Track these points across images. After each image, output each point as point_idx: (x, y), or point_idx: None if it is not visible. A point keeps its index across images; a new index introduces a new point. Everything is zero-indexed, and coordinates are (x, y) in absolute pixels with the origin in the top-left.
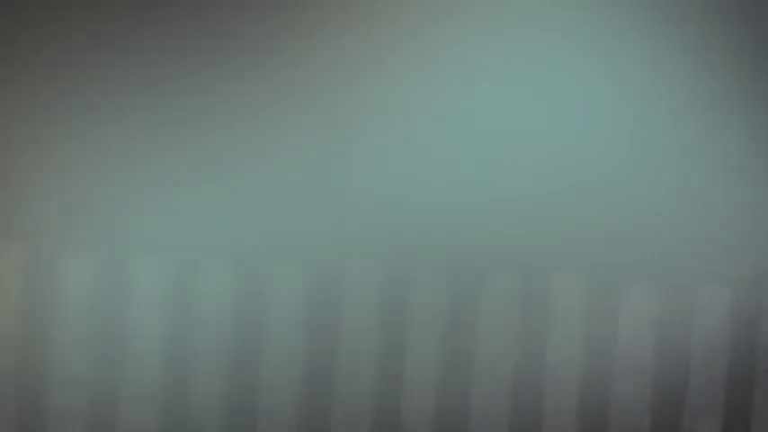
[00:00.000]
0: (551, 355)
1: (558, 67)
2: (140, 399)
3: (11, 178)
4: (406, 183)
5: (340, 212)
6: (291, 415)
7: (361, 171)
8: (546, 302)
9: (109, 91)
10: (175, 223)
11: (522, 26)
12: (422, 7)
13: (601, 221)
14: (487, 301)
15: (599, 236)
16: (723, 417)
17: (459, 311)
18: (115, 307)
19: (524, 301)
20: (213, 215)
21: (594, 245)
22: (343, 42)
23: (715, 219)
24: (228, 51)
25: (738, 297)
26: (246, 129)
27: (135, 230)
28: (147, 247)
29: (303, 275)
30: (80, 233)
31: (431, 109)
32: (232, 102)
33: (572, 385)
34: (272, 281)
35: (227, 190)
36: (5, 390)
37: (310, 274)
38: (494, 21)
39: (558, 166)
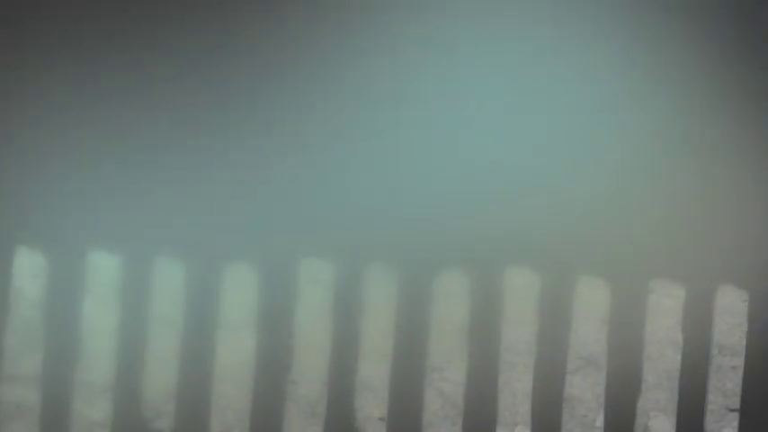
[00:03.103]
0: (505, 350)
1: (533, 68)
2: (94, 393)
3: None
4: (365, 181)
5: (297, 210)
6: (245, 409)
7: (319, 170)
8: (501, 298)
9: (69, 95)
10: (130, 220)
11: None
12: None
13: (556, 219)
14: (441, 296)
15: (554, 233)
16: (677, 413)
17: (414, 306)
18: (69, 303)
19: (478, 295)
20: (169, 213)
21: (549, 242)
22: (326, 50)
23: (669, 218)
24: (195, 70)
25: (691, 294)
26: (206, 131)
27: (91, 227)
28: (103, 244)
29: (258, 272)
30: (36, 230)
31: (393, 107)
32: (194, 106)
33: (526, 380)
34: (226, 277)
35: (185, 189)
36: None
37: (264, 271)
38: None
39: (516, 166)
